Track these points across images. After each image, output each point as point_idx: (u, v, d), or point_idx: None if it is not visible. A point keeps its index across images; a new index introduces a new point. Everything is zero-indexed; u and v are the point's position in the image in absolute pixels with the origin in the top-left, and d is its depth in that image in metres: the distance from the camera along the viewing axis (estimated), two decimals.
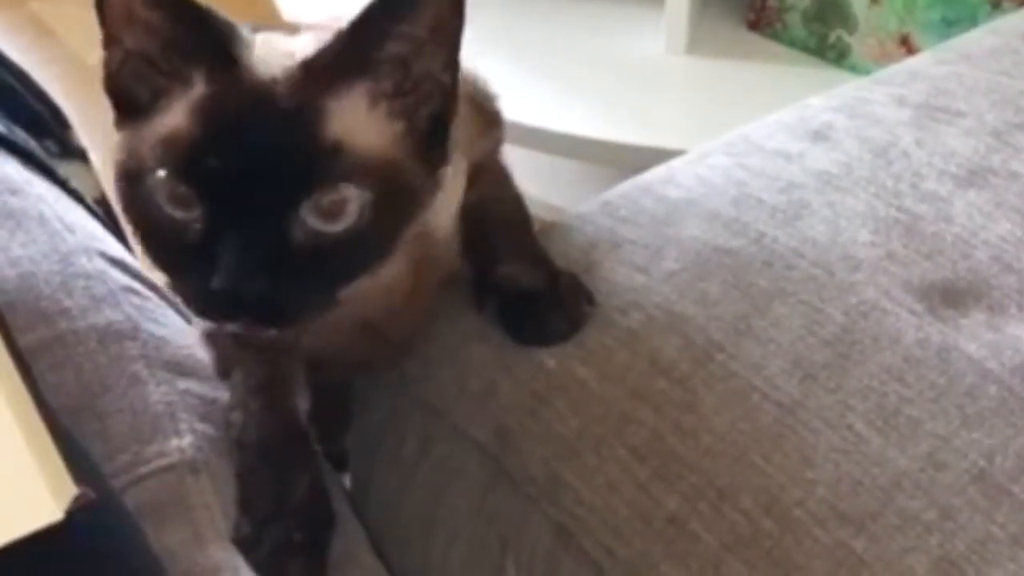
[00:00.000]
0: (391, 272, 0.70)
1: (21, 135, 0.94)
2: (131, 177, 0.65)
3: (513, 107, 0.85)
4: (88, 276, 0.83)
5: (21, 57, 1.05)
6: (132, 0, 0.63)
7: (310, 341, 0.77)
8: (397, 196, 0.65)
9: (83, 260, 0.84)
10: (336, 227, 0.63)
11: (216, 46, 0.63)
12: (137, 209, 0.65)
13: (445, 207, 0.75)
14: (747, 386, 0.79)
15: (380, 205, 0.64)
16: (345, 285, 0.66)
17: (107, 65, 0.66)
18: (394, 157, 0.65)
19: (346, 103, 0.64)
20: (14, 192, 0.87)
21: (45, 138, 0.99)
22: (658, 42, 1.65)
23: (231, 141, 0.62)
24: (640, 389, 0.79)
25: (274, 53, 0.65)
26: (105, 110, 0.67)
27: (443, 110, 0.66)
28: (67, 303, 0.81)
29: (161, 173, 0.63)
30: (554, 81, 1.62)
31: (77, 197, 0.95)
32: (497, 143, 0.85)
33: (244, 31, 0.66)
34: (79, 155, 1.03)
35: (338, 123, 0.63)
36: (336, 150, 0.63)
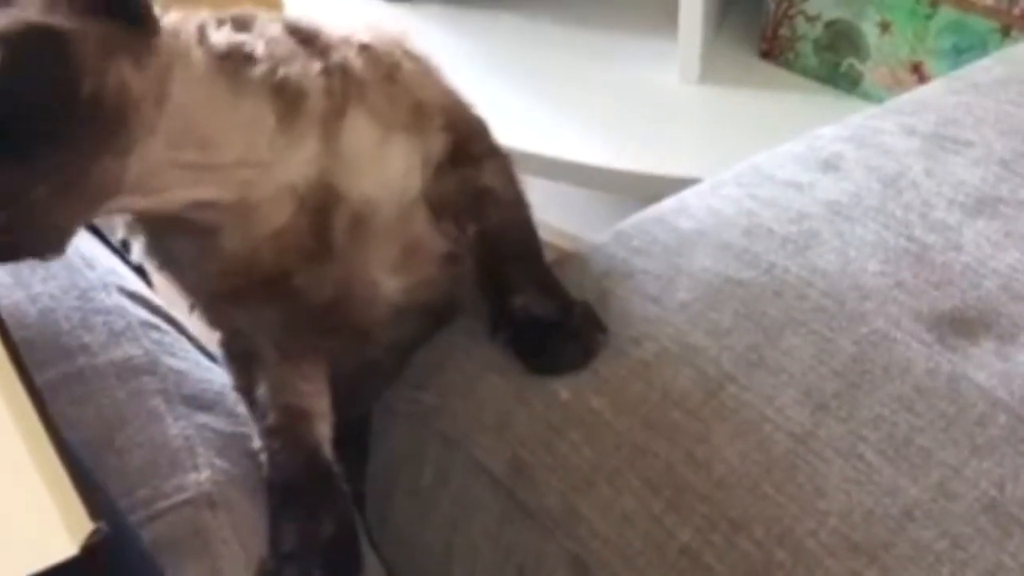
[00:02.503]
0: (270, 217, 0.73)
1: None
2: None
3: (526, 136, 0.86)
4: (107, 311, 0.85)
5: None
6: None
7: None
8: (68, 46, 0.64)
9: (102, 295, 0.86)
10: None
11: None
12: None
13: (353, 163, 0.76)
14: (759, 416, 0.79)
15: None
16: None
17: None
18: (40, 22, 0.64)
19: None
20: None
21: None
22: (671, 71, 1.65)
23: None
24: (654, 420, 0.80)
25: None
26: None
27: None
28: (87, 339, 0.82)
29: None
30: (568, 110, 1.63)
31: (96, 232, 0.96)
32: (500, 171, 0.86)
33: None
34: None
35: None
36: None
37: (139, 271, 0.96)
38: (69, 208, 0.64)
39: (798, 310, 0.85)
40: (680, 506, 0.77)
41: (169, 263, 0.79)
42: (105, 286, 0.87)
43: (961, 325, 0.84)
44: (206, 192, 0.71)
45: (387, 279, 0.81)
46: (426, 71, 0.82)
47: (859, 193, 0.94)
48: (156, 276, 0.95)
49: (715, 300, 0.86)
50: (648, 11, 1.75)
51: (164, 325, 0.88)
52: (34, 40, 0.63)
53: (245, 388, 0.83)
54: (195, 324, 0.90)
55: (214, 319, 0.83)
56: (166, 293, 0.92)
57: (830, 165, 0.98)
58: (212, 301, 0.81)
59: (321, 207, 0.75)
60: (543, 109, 1.63)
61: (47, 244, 0.65)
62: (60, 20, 0.64)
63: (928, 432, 0.78)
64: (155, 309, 0.89)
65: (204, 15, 0.73)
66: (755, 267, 0.88)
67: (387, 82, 0.78)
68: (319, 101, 0.74)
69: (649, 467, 0.78)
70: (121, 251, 0.97)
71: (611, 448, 0.80)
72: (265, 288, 0.77)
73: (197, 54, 0.70)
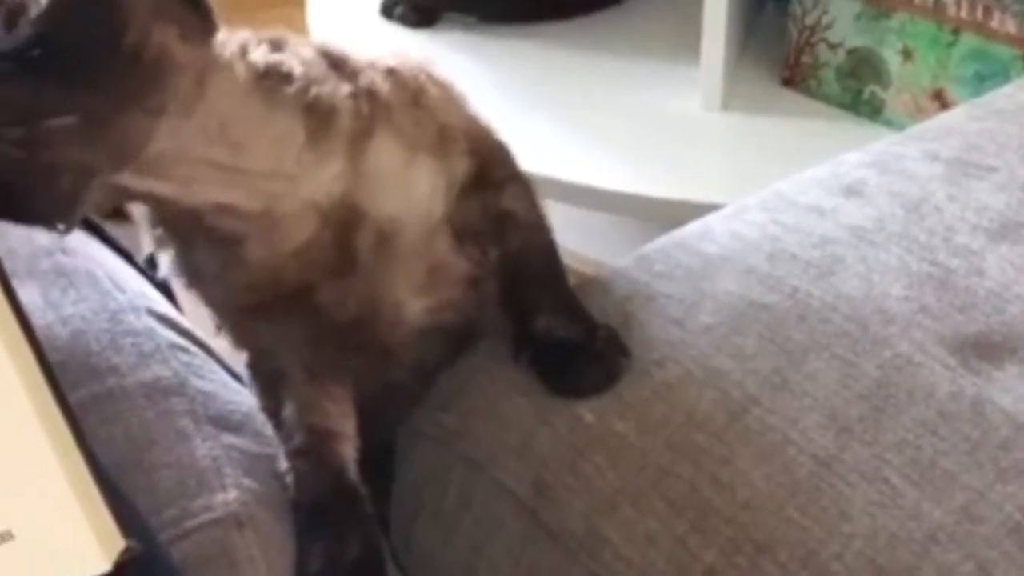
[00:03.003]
0: (295, 232, 0.75)
1: None
2: None
3: (551, 162, 0.87)
4: (137, 333, 0.85)
5: None
6: None
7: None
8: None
9: (132, 318, 0.87)
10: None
11: None
12: None
13: (377, 182, 0.77)
14: (783, 439, 0.79)
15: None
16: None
17: None
18: None
19: None
20: (66, 251, 0.89)
21: None
22: (694, 98, 1.66)
23: None
24: (677, 442, 0.80)
25: None
26: None
27: None
28: (116, 360, 0.83)
29: None
30: (591, 136, 1.64)
31: (126, 255, 0.97)
32: (522, 195, 0.87)
33: None
34: (126, 215, 1.05)
35: None
36: None
37: (167, 294, 0.97)
38: (88, 156, 0.64)
39: (822, 334, 0.85)
40: (704, 528, 0.77)
41: (196, 279, 0.80)
42: (135, 308, 0.88)
43: (985, 349, 0.84)
44: (231, 196, 0.73)
45: (411, 300, 0.82)
46: (450, 96, 0.83)
47: (882, 218, 0.94)
48: (183, 299, 0.96)
49: (739, 324, 0.87)
50: (670, 38, 1.76)
51: (192, 347, 0.89)
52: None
53: (271, 409, 0.83)
54: (222, 346, 0.91)
55: (240, 338, 0.84)
56: (193, 315, 0.94)
57: (853, 191, 0.98)
58: (238, 318, 0.82)
59: (345, 224, 0.77)
60: (565, 134, 1.64)
61: (58, 201, 0.65)
62: None
63: (952, 456, 0.78)
64: (183, 331, 0.90)
65: (244, 35, 0.74)
66: (779, 291, 0.89)
67: (412, 106, 0.79)
68: (348, 121, 0.75)
69: (673, 489, 0.79)
70: (149, 273, 0.98)
71: (635, 470, 0.80)
72: (289, 303, 0.78)
73: (239, 67, 0.72)
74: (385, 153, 0.77)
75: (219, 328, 0.84)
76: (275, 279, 0.77)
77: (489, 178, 0.84)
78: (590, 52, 1.77)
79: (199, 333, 0.91)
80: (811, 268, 0.90)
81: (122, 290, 0.89)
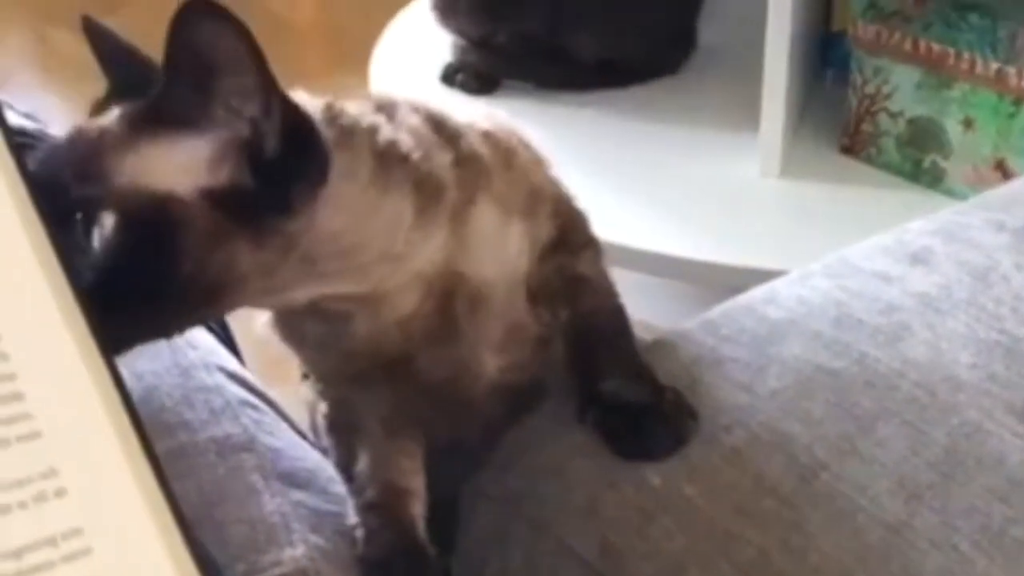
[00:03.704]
0: (400, 304, 0.76)
1: None
2: None
3: (612, 228, 0.89)
4: (208, 390, 0.87)
5: None
6: None
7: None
8: (175, 231, 0.68)
9: (203, 374, 0.88)
10: (99, 255, 0.67)
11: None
12: None
13: (479, 247, 0.79)
14: (853, 505, 0.79)
15: (134, 238, 0.68)
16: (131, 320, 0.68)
17: None
18: (181, 194, 0.67)
19: (147, 148, 0.68)
20: None
21: None
22: (753, 165, 1.67)
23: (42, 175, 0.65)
24: (746, 507, 0.80)
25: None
26: None
27: (284, 130, 0.69)
28: (188, 416, 0.84)
29: None
30: (650, 202, 1.66)
31: None
32: (595, 260, 0.89)
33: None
34: None
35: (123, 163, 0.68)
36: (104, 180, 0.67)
37: (234, 351, 0.98)
38: (168, 326, 0.73)
39: (890, 400, 0.85)
40: None
41: (295, 339, 0.82)
42: (206, 365, 0.89)
43: None
44: (339, 288, 0.75)
45: (491, 358, 0.83)
46: (537, 159, 0.85)
47: (949, 286, 0.94)
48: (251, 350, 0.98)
49: (806, 389, 0.87)
50: (730, 105, 1.77)
51: (260, 404, 0.90)
52: (147, 214, 0.67)
53: (344, 461, 0.84)
54: (288, 402, 0.93)
55: (325, 391, 0.85)
56: (260, 370, 0.95)
57: (919, 258, 0.98)
58: (330, 379, 0.83)
59: (447, 291, 0.78)
60: (624, 201, 1.65)
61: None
62: (191, 188, 0.68)
63: (1022, 523, 0.78)
64: (252, 388, 0.91)
65: (362, 107, 0.76)
66: (846, 357, 0.89)
67: (506, 168, 0.81)
68: (453, 192, 0.77)
69: (741, 554, 0.78)
70: (219, 332, 0.99)
71: (703, 534, 0.80)
72: (387, 370, 0.80)
73: (365, 163, 0.74)
74: (485, 218, 0.79)
75: (306, 376, 0.86)
76: (377, 349, 0.79)
77: (568, 241, 0.86)
78: (648, 119, 1.79)
79: (269, 392, 0.92)
80: (878, 334, 0.90)
81: (193, 347, 0.90)
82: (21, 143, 0.90)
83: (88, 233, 0.67)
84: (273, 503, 0.81)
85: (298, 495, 0.83)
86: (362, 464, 0.83)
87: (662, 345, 0.93)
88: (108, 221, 0.67)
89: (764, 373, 0.88)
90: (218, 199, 0.68)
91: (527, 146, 0.83)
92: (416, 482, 0.83)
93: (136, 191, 0.67)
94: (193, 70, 0.66)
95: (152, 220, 0.67)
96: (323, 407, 0.86)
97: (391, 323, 0.77)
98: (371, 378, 0.81)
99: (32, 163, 0.64)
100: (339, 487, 0.85)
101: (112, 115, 0.69)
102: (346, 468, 0.84)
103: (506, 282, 0.81)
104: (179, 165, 0.68)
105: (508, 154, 0.81)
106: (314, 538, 0.80)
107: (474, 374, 0.83)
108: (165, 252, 0.68)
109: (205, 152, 0.68)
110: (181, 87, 0.67)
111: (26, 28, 2.63)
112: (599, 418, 0.86)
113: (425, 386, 0.81)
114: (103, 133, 0.69)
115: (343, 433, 0.85)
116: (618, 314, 0.89)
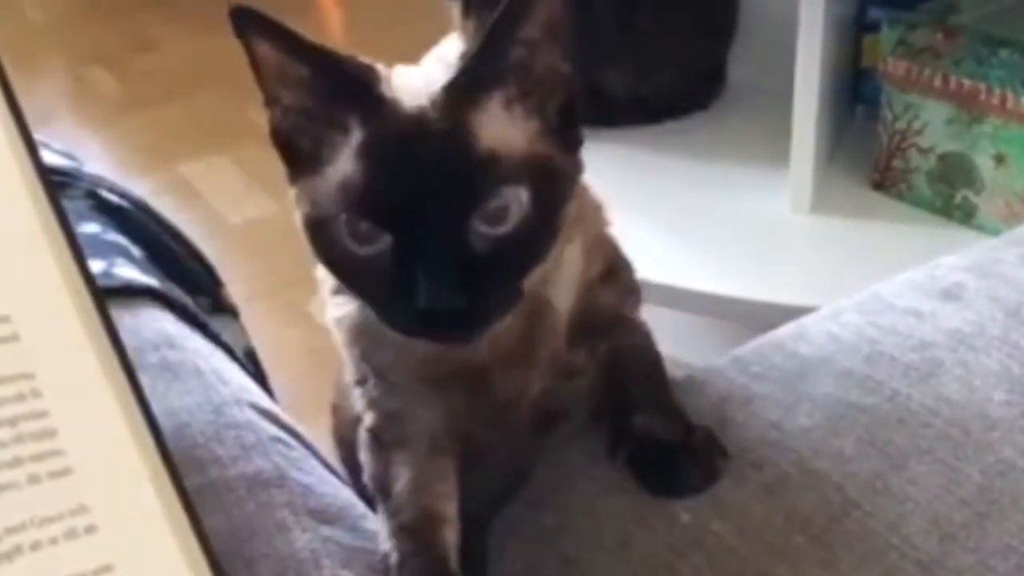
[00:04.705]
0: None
1: (178, 292, 0.99)
2: (316, 225, 0.73)
3: (642, 264, 0.90)
4: (239, 426, 0.87)
5: (171, 217, 1.11)
6: (282, 60, 0.70)
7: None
8: (551, 184, 0.73)
9: (235, 411, 0.88)
10: (506, 227, 0.71)
11: (363, 90, 0.71)
12: (328, 252, 0.74)
13: (563, 279, 0.82)
14: (885, 544, 0.79)
15: (538, 197, 0.72)
16: (525, 275, 0.75)
17: (271, 122, 0.74)
18: (539, 151, 0.73)
19: (488, 115, 0.71)
20: (172, 346, 0.91)
21: (199, 295, 1.04)
22: (783, 201, 1.67)
23: (399, 175, 0.69)
24: (777, 545, 0.80)
25: (411, 84, 0.73)
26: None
27: (568, 98, 0.74)
28: (219, 452, 0.84)
29: (343, 217, 0.71)
30: (681, 238, 1.66)
31: (228, 350, 0.99)
32: (635, 306, 0.91)
33: (381, 69, 0.74)
34: (230, 311, 1.08)
35: (486, 134, 0.70)
36: (491, 159, 0.70)
37: (264, 387, 0.99)
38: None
39: (923, 438, 0.85)
40: None
41: (375, 334, 0.81)
42: (237, 401, 0.89)
43: None
44: None
45: (537, 380, 0.84)
46: (598, 203, 0.87)
47: (982, 323, 0.94)
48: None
49: (838, 426, 0.86)
50: (759, 140, 1.77)
51: (291, 440, 0.90)
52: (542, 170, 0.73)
53: (380, 476, 0.84)
54: (318, 438, 0.93)
55: (380, 400, 0.85)
56: (291, 407, 0.95)
57: (951, 295, 0.98)
58: (397, 377, 0.84)
59: (535, 315, 0.81)
60: (655, 237, 1.65)
61: None
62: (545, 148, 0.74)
63: None
64: (283, 425, 0.91)
65: None
66: (878, 394, 0.88)
67: (594, 209, 0.85)
68: (567, 228, 0.78)
69: None
70: (250, 368, 1.00)
71: (733, 572, 0.79)
72: (464, 379, 0.82)
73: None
74: (576, 253, 0.82)
75: (362, 382, 0.85)
76: (464, 356, 0.80)
77: (612, 282, 0.87)
78: (679, 155, 1.80)
79: (299, 428, 0.92)
80: (910, 371, 0.90)
81: (225, 383, 0.91)
82: (60, 182, 0.91)
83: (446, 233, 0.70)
84: (303, 539, 0.81)
85: (328, 531, 0.83)
86: (400, 485, 0.83)
87: (692, 382, 0.93)
88: (508, 196, 0.71)
89: (795, 410, 0.88)
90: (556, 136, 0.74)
91: (585, 187, 0.84)
92: (451, 508, 0.83)
93: (527, 157, 0.72)
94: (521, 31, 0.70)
95: (546, 176, 0.73)
96: (369, 419, 0.86)
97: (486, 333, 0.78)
98: (445, 386, 0.82)
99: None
100: (370, 523, 0.85)
101: (432, 95, 0.71)
102: (381, 484, 0.84)
103: (565, 311, 0.84)
104: (523, 127, 0.72)
105: (580, 192, 0.82)
106: (344, 573, 0.80)
107: (527, 396, 0.84)
108: (561, 193, 0.74)
109: (532, 110, 0.73)
110: (501, 51, 0.71)
111: (62, 68, 2.66)
112: (630, 455, 0.86)
113: (491, 401, 0.83)
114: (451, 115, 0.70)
115: (386, 450, 0.85)
116: (653, 352, 0.90)
